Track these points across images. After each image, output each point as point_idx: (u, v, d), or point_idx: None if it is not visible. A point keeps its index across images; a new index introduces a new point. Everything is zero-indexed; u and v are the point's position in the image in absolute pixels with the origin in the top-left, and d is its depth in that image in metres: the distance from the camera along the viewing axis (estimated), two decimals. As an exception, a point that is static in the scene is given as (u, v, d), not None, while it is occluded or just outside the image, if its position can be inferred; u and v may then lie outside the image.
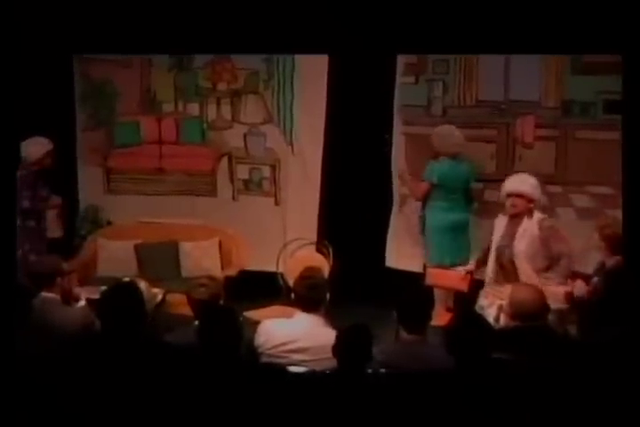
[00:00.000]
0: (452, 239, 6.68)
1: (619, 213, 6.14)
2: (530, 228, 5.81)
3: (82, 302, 4.99)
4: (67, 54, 7.30)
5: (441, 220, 6.68)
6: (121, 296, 4.09)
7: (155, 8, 5.99)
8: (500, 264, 5.94)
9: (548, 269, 5.79)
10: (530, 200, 5.83)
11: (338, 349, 3.86)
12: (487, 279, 5.98)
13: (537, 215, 5.85)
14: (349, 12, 5.96)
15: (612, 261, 5.26)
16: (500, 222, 5.98)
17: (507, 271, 5.88)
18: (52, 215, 6.88)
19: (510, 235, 5.88)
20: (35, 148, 6.68)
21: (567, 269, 5.77)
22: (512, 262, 5.85)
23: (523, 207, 5.83)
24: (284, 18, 6.01)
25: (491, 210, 6.45)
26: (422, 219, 6.83)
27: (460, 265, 6.32)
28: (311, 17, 5.97)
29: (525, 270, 5.80)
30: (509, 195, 5.86)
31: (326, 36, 6.11)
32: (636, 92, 4.36)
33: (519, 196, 5.83)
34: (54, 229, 6.92)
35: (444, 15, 5.76)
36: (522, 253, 5.80)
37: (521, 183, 5.90)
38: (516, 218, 5.87)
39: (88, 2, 6.05)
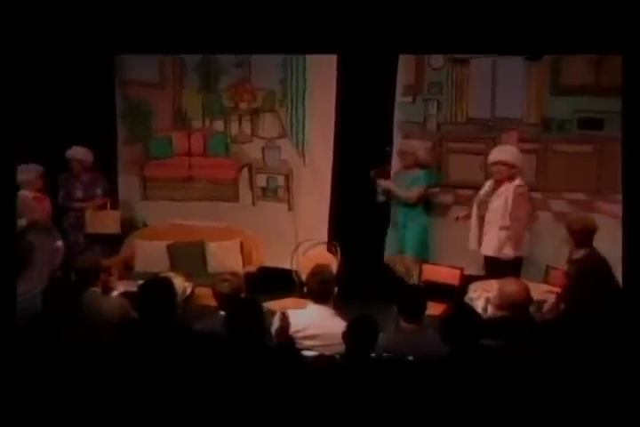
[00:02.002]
0: (427, 237, 6.75)
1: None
2: (505, 191, 6.03)
3: (117, 292, 5.04)
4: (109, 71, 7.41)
5: (425, 220, 6.74)
6: (155, 290, 4.12)
7: (164, 13, 6.07)
8: (480, 216, 6.15)
9: (508, 228, 5.97)
10: (511, 166, 6.05)
11: (347, 336, 3.87)
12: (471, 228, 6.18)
13: (516, 181, 6.05)
14: (356, 15, 5.94)
15: (578, 254, 5.27)
16: (488, 183, 6.22)
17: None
18: (88, 214, 6.95)
19: (490, 193, 6.13)
20: (71, 154, 7.01)
21: (517, 231, 5.97)
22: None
23: (506, 173, 6.06)
24: (294, 20, 6.00)
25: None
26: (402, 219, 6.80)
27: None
28: (318, 19, 5.96)
29: (491, 225, 6.02)
30: (495, 163, 6.10)
31: (333, 37, 6.12)
32: (636, 92, 4.20)
33: (503, 163, 6.06)
34: (87, 226, 6.94)
35: (447, 16, 5.72)
36: (493, 210, 6.04)
37: (504, 153, 6.13)
38: (499, 181, 6.11)
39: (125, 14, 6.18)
